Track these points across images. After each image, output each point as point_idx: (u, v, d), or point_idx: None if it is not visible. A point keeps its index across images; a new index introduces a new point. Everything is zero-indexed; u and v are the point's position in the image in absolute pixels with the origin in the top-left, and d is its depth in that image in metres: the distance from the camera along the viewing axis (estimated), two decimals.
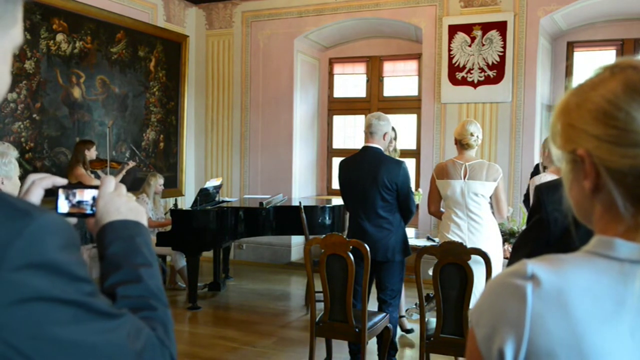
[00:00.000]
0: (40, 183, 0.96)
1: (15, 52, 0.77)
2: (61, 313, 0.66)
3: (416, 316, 5.01)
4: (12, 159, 2.03)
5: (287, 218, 5.82)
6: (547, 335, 0.69)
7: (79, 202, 0.98)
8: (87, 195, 0.97)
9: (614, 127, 0.71)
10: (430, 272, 3.23)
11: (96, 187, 0.97)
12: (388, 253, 3.72)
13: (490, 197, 3.74)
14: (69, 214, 0.97)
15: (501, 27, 6.17)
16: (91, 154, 5.39)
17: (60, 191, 0.97)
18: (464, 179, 3.67)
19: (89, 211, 0.97)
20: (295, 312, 5.47)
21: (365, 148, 3.84)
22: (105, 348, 0.70)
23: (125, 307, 0.82)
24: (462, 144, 3.75)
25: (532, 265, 0.73)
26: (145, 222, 0.97)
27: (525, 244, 1.52)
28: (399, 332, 4.22)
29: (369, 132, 3.81)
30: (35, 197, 0.95)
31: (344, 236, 3.49)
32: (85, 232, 5.19)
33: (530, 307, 0.70)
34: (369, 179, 3.71)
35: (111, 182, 0.97)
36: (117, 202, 0.95)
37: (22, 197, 0.95)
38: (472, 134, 3.72)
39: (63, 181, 0.98)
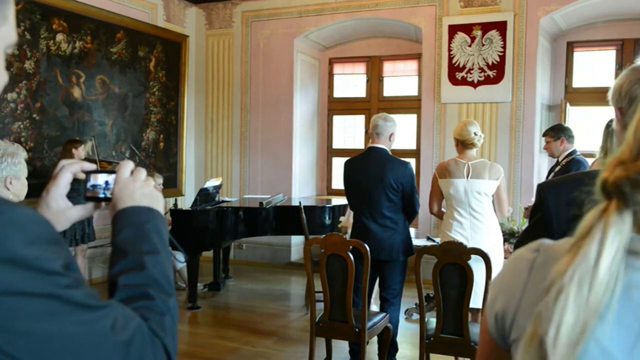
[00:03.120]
0: (69, 168, 0.99)
1: (9, 50, 0.76)
2: (33, 306, 0.65)
3: (416, 316, 5.01)
4: (22, 160, 2.05)
5: (287, 218, 5.82)
6: (535, 301, 0.72)
7: (94, 186, 1.00)
8: (100, 179, 1.00)
9: None
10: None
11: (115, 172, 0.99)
12: (393, 252, 3.75)
13: (492, 196, 3.76)
14: (89, 198, 1.01)
15: (501, 27, 6.17)
16: (79, 153, 5.24)
17: (87, 176, 1.01)
18: (467, 177, 3.69)
19: (101, 195, 1.00)
20: (295, 312, 5.47)
21: (370, 148, 3.86)
22: (85, 339, 0.69)
23: (124, 297, 0.82)
24: (465, 144, 3.76)
25: (543, 241, 0.77)
26: (160, 208, 0.96)
27: (526, 243, 1.52)
28: (399, 331, 4.21)
29: (375, 133, 3.83)
30: (64, 180, 0.99)
31: (345, 236, 3.49)
32: (74, 233, 5.20)
33: (528, 276, 0.74)
34: (375, 179, 3.73)
35: (127, 167, 0.98)
36: (130, 187, 0.95)
37: (51, 181, 0.99)
38: (475, 134, 3.73)
39: (91, 166, 1.01)
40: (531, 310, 0.72)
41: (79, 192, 1.06)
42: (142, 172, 0.98)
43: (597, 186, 0.67)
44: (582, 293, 0.62)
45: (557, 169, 4.75)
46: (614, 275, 0.63)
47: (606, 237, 0.63)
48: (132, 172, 0.98)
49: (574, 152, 4.70)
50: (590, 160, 5.91)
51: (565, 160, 4.67)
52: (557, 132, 4.76)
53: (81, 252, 5.40)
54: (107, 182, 0.99)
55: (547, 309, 0.63)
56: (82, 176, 1.03)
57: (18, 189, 2.03)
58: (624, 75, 1.31)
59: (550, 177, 4.73)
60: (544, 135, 4.97)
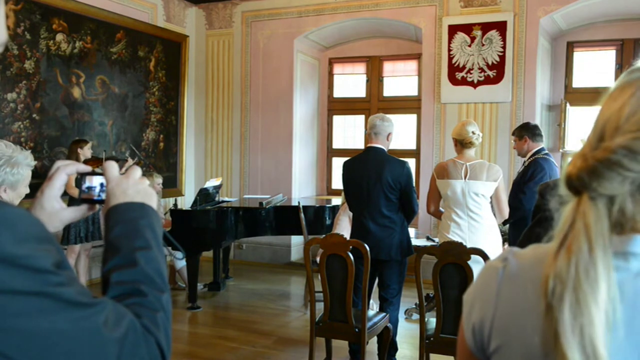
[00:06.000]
0: (65, 169, 0.99)
1: (0, 49, 0.77)
2: (24, 304, 0.66)
3: (416, 316, 5.01)
4: (22, 172, 2.02)
5: (286, 218, 5.83)
6: (513, 307, 0.73)
7: (89, 188, 1.01)
8: (95, 181, 1.01)
9: None
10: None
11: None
12: (392, 252, 3.75)
13: (491, 197, 3.75)
14: (83, 200, 1.01)
15: (501, 27, 6.17)
16: (85, 152, 5.25)
17: (82, 178, 1.02)
18: (465, 178, 3.68)
19: (96, 197, 1.00)
20: (295, 312, 5.47)
21: (369, 148, 3.87)
22: (77, 336, 0.70)
23: (116, 294, 0.82)
24: (463, 144, 3.75)
25: (511, 250, 0.79)
26: (153, 205, 0.96)
27: (528, 243, 1.52)
28: (399, 331, 4.22)
29: (373, 133, 3.83)
30: (59, 182, 0.99)
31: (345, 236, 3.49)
32: (79, 230, 5.19)
33: (499, 285, 0.75)
34: (373, 178, 3.74)
35: (113, 166, 0.98)
36: (124, 184, 0.95)
37: (46, 182, 0.98)
38: (473, 132, 3.73)
39: (87, 168, 1.02)
40: (509, 319, 0.73)
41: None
42: (137, 171, 0.98)
43: (562, 182, 0.68)
44: (590, 286, 0.62)
45: (521, 169, 4.62)
46: (608, 267, 0.63)
47: (590, 228, 0.64)
48: (126, 170, 0.98)
49: (539, 151, 4.49)
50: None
51: (528, 161, 4.48)
52: (521, 130, 4.61)
53: (84, 251, 5.39)
54: (102, 185, 0.99)
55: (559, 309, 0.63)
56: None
57: (10, 198, 2.02)
58: (620, 77, 1.31)
59: (515, 178, 4.63)
60: (512, 134, 4.88)
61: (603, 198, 0.64)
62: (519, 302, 0.72)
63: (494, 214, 3.84)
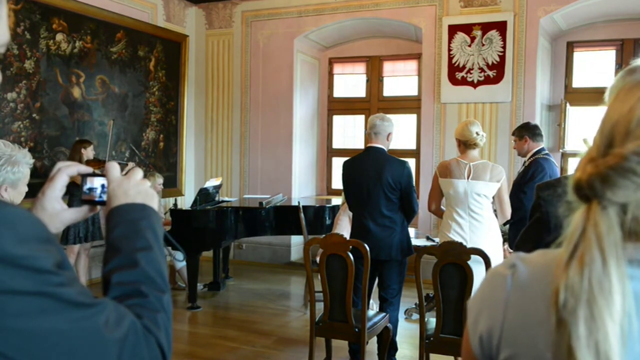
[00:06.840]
0: (66, 170, 0.99)
1: (2, 50, 0.77)
2: (24, 305, 0.66)
3: (416, 316, 5.02)
4: (23, 170, 2.04)
5: (286, 218, 5.83)
6: (524, 317, 0.71)
7: (90, 190, 1.01)
8: (96, 182, 1.01)
9: None
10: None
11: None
12: (392, 252, 3.75)
13: (493, 198, 3.74)
14: (84, 201, 1.01)
15: (501, 27, 6.17)
16: (88, 153, 5.26)
17: (83, 179, 1.02)
18: (468, 178, 3.67)
19: (97, 198, 1.00)
20: (295, 312, 5.47)
21: (369, 148, 3.87)
22: (77, 336, 0.70)
23: (117, 294, 0.82)
24: (467, 145, 3.73)
25: (518, 255, 0.76)
26: (154, 206, 0.96)
27: (526, 243, 1.52)
28: (399, 331, 4.22)
29: (373, 133, 3.83)
30: (60, 183, 0.99)
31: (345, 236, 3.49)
32: (78, 231, 5.19)
33: (508, 293, 0.73)
34: (374, 178, 3.74)
35: (115, 167, 0.98)
36: (125, 185, 0.95)
37: (48, 182, 0.99)
38: (477, 134, 3.72)
39: (88, 169, 1.02)
40: (519, 330, 0.70)
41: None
42: (139, 172, 0.99)
43: (570, 188, 0.66)
44: (605, 300, 0.60)
45: (521, 169, 4.63)
46: (622, 278, 0.61)
47: (602, 238, 0.62)
48: (128, 172, 0.99)
49: (539, 151, 4.52)
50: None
51: (529, 161, 4.50)
52: (521, 130, 4.63)
53: (84, 250, 5.39)
54: (103, 186, 0.99)
55: (573, 322, 0.61)
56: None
57: (11, 197, 2.03)
58: (621, 76, 1.31)
59: (515, 178, 4.66)
60: (512, 134, 4.90)
61: (615, 206, 0.62)
62: (529, 313, 0.70)
63: (496, 215, 3.84)
